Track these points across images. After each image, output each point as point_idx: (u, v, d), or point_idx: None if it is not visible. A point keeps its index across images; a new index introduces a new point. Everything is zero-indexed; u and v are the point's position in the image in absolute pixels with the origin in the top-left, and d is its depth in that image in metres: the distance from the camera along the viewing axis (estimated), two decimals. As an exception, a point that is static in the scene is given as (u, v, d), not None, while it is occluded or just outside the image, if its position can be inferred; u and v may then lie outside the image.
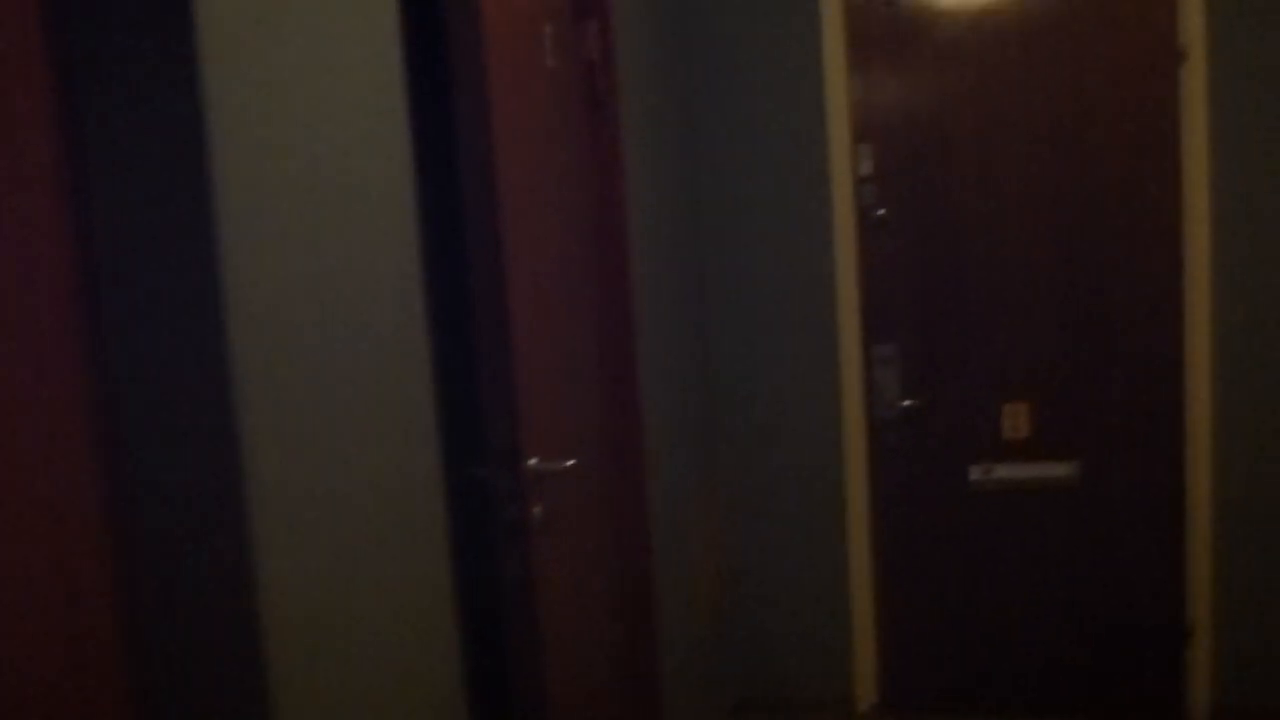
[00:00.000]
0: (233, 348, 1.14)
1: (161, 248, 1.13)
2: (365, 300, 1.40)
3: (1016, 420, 3.19)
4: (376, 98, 1.44)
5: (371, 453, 1.40)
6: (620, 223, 2.27)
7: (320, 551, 1.29)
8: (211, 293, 1.12)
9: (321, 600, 1.29)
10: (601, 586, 2.13)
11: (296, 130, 1.27)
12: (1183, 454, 3.07)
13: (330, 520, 1.31)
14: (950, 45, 3.09)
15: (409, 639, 1.48)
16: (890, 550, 3.30)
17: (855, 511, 3.28)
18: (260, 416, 1.18)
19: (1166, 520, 3.11)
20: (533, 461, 1.63)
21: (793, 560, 3.35)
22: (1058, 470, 3.17)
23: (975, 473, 3.23)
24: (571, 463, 1.65)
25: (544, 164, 1.91)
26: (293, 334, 1.25)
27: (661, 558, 2.60)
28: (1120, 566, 3.16)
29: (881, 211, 3.19)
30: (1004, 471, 3.21)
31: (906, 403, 3.24)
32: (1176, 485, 3.09)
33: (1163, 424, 3.09)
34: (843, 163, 3.17)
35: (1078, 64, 3.02)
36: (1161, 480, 3.10)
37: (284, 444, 1.22)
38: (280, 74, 1.24)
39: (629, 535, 2.34)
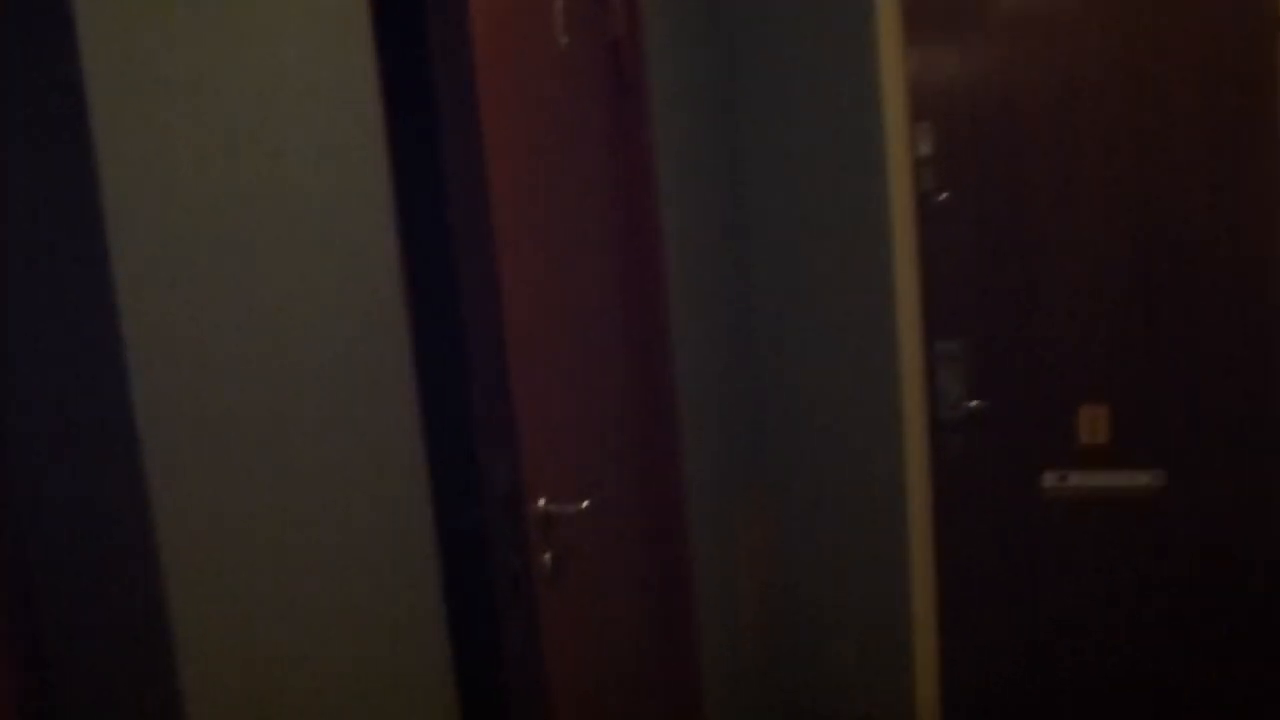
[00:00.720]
0: (139, 365, 0.93)
1: (58, 258, 0.93)
2: (334, 317, 1.19)
3: (1095, 424, 2.91)
4: (344, 91, 1.22)
5: (347, 496, 1.20)
6: (651, 220, 2.03)
7: (284, 619, 1.08)
8: (108, 310, 0.92)
9: (291, 679, 1.09)
10: (633, 632, 1.91)
11: (246, 125, 1.06)
12: (1282, 462, 2.77)
13: (297, 580, 1.11)
14: (1020, 10, 2.80)
15: (398, 715, 1.28)
16: (954, 564, 3.05)
17: (916, 522, 3.02)
18: (202, 449, 0.97)
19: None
20: (540, 503, 1.41)
21: (848, 576, 3.11)
22: (1141, 479, 2.89)
23: (1049, 480, 2.96)
24: (586, 504, 1.43)
25: (554, 157, 1.68)
26: (240, 354, 1.04)
27: (703, 588, 2.38)
28: (1210, 585, 2.87)
29: (943, 196, 2.91)
30: (1080, 479, 2.93)
31: (972, 403, 2.97)
32: (1274, 497, 2.79)
33: (1258, 429, 2.78)
34: (899, 143, 2.90)
35: (1164, 32, 2.71)
36: (1256, 491, 2.81)
37: (232, 483, 1.01)
38: (209, 43, 1.03)
39: (667, 571, 2.11)
